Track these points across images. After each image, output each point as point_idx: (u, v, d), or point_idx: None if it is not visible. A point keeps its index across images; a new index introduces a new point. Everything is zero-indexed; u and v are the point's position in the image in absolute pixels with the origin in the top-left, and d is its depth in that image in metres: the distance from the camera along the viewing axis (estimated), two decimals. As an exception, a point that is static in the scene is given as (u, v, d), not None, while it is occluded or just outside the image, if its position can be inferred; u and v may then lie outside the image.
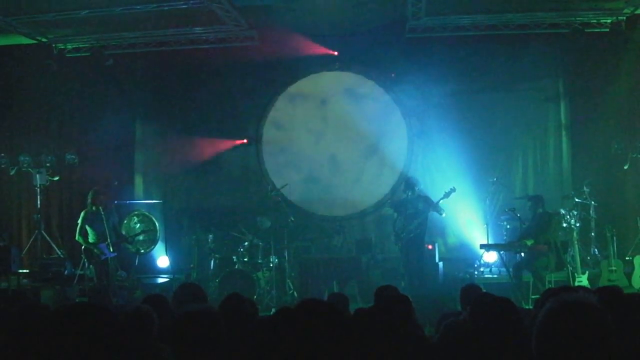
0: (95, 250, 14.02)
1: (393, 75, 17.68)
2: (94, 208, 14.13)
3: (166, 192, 18.35)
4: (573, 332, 3.03)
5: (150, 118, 18.73)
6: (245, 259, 15.51)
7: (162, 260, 17.22)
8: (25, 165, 17.14)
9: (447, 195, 14.58)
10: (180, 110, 18.37)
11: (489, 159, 17.21)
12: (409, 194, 15.01)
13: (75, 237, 14.41)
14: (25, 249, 17.29)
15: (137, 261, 16.62)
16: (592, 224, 15.83)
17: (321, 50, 17.59)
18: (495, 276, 15.73)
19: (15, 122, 18.57)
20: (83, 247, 14.24)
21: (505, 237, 15.98)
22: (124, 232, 16.02)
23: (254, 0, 15.73)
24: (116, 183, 17.45)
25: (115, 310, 4.03)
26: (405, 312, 6.48)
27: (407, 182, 15.43)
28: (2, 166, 17.27)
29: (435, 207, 14.67)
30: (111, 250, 14.01)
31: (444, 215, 14.91)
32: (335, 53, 17.77)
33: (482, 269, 16.07)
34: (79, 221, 14.29)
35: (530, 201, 14.56)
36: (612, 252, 14.82)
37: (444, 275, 15.79)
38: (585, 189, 15.77)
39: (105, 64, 17.73)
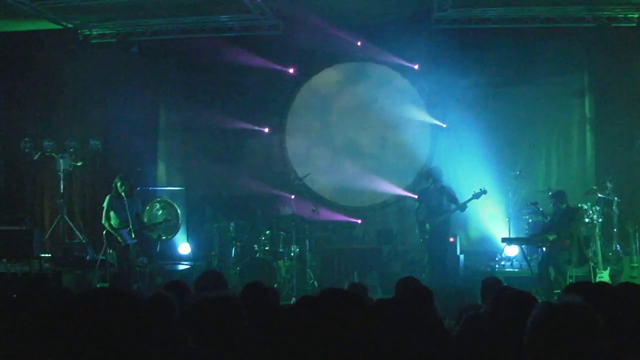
0: (117, 236, 14.06)
1: (418, 66, 17.59)
2: (118, 193, 14.15)
3: (189, 179, 18.38)
4: (560, 335, 3.03)
5: (174, 105, 18.75)
6: (267, 248, 15.55)
7: (184, 248, 17.29)
8: (49, 150, 17.20)
9: (476, 196, 14.61)
10: (204, 97, 18.32)
11: (512, 152, 17.16)
12: (431, 184, 15.02)
13: (101, 220, 14.43)
14: (48, 233, 17.35)
15: (158, 248, 16.71)
16: (615, 219, 15.70)
17: (346, 40, 17.50)
18: (517, 270, 15.69)
19: (39, 108, 18.62)
20: (105, 231, 14.30)
21: (527, 231, 15.92)
22: (145, 218, 16.10)
23: (279, -11, 15.74)
24: (139, 169, 17.49)
25: (136, 296, 4.04)
26: (426, 304, 6.48)
27: (429, 172, 15.45)
28: (26, 151, 17.31)
29: (462, 207, 14.71)
30: (133, 236, 14.04)
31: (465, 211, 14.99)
32: (359, 43, 17.67)
33: (503, 263, 16.06)
34: (104, 205, 14.34)
35: (553, 198, 14.46)
36: (634, 249, 14.75)
37: (465, 268, 15.78)
38: (608, 184, 15.66)
39: (130, 50, 17.78)
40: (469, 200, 14.66)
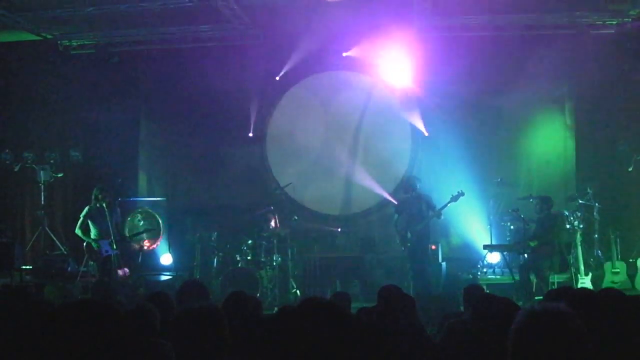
0: (94, 245, 14.09)
1: (400, 75, 17.59)
2: (98, 205, 14.17)
3: (170, 189, 18.37)
4: (542, 341, 3.05)
5: (154, 115, 18.71)
6: (249, 257, 15.52)
7: (165, 258, 17.21)
8: (29, 162, 17.13)
9: (454, 198, 14.66)
10: (184, 107, 18.27)
11: (493, 160, 17.16)
12: (412, 193, 15.06)
13: (74, 230, 14.49)
14: (29, 245, 17.29)
15: (140, 258, 16.64)
16: (596, 225, 15.80)
17: (327, 49, 17.48)
18: (498, 277, 15.72)
19: (19, 119, 18.50)
20: (85, 243, 14.32)
21: (508, 238, 15.97)
22: (127, 229, 16.10)
23: (259, -1, 15.74)
24: (120, 180, 17.43)
25: (118, 307, 4.03)
26: (408, 312, 6.48)
27: (407, 182, 15.49)
28: (7, 162, 17.23)
29: (437, 214, 14.76)
30: (114, 247, 14.03)
31: (441, 218, 15.02)
32: (346, 55, 17.64)
33: (485, 270, 16.08)
34: (81, 215, 14.37)
35: (540, 202, 14.53)
36: (615, 254, 14.86)
37: (447, 276, 15.79)
38: (589, 190, 15.76)
39: (110, 61, 17.75)
40: (448, 203, 14.72)
